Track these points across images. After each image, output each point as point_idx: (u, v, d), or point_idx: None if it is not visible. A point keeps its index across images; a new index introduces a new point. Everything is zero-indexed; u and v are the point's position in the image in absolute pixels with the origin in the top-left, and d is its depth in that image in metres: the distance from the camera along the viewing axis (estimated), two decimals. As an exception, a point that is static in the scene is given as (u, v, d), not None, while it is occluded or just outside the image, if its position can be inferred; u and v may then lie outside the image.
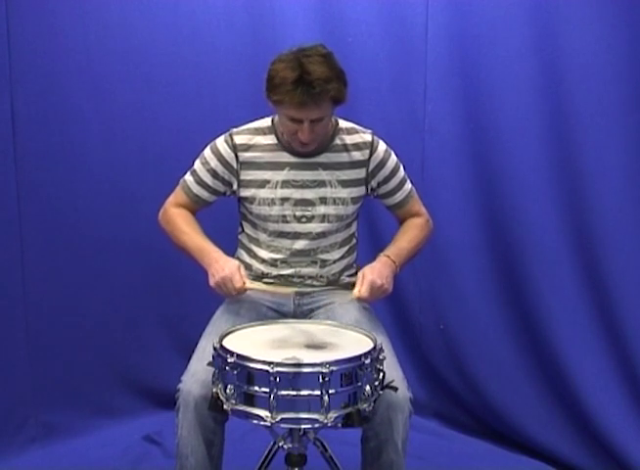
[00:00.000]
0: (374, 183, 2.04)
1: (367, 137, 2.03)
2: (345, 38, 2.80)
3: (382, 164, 2.03)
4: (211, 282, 1.86)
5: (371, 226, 2.83)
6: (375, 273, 1.88)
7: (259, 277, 2.05)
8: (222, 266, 1.86)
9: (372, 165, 2.02)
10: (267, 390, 1.52)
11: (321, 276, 2.05)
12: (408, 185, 2.11)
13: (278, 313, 2.03)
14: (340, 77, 1.83)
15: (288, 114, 1.85)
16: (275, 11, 2.86)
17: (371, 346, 1.64)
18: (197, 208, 2.07)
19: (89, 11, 2.65)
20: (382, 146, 2.04)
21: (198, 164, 2.04)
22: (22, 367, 2.64)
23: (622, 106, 2.33)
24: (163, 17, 2.77)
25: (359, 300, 1.91)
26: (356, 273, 2.12)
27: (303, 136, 1.87)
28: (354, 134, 2.03)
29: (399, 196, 2.08)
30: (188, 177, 2.06)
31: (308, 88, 1.77)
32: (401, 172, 2.08)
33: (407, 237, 2.08)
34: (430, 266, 2.81)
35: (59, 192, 2.68)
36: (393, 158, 2.06)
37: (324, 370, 1.51)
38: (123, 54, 2.72)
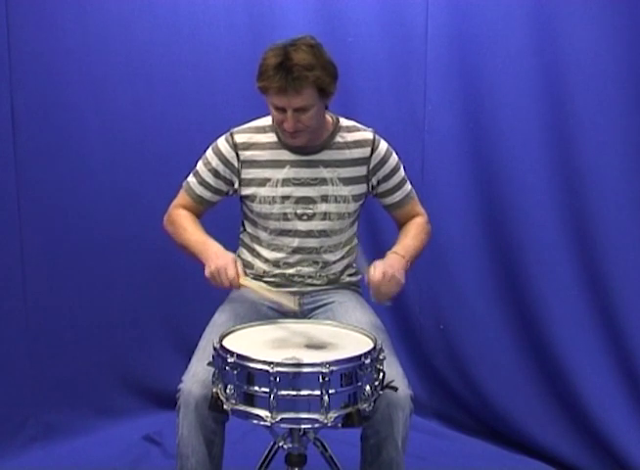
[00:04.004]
0: (374, 181, 2.04)
1: (368, 135, 2.03)
2: (345, 38, 2.80)
3: (383, 161, 2.03)
4: (207, 272, 1.85)
5: (371, 226, 2.83)
6: (386, 264, 1.86)
7: (260, 276, 2.06)
8: (218, 257, 1.86)
9: (373, 163, 2.02)
10: (267, 390, 1.52)
11: (321, 275, 2.05)
12: (408, 186, 2.11)
13: (278, 313, 2.03)
14: (325, 67, 1.83)
15: (272, 101, 1.86)
16: (275, 11, 2.85)
17: (371, 346, 1.64)
18: (201, 209, 2.07)
19: (89, 11, 2.65)
20: (383, 144, 2.04)
21: (200, 165, 2.05)
22: (22, 367, 2.64)
23: (622, 106, 2.33)
24: (163, 17, 2.77)
25: (376, 294, 1.85)
26: (356, 273, 2.14)
27: (288, 125, 1.87)
28: (355, 132, 2.03)
29: (399, 195, 2.08)
30: (190, 179, 2.06)
31: (287, 74, 1.78)
32: (402, 172, 2.08)
33: (410, 234, 2.07)
34: (430, 266, 2.80)
35: (59, 192, 2.68)
36: (394, 157, 2.06)
37: (324, 370, 1.51)
38: (123, 54, 2.72)
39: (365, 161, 2.02)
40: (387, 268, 1.84)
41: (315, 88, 1.83)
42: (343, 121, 2.04)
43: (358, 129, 2.04)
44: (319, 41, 1.87)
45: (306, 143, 1.96)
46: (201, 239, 1.97)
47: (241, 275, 1.84)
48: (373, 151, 2.02)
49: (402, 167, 2.08)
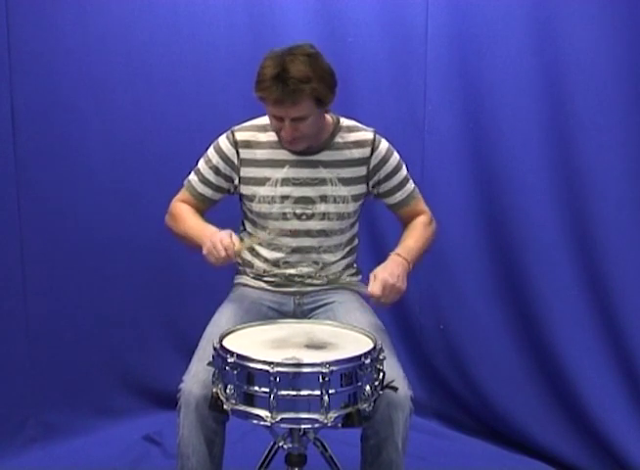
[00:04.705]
0: (375, 181, 2.04)
1: (369, 135, 2.03)
2: (345, 38, 2.80)
3: (383, 161, 2.03)
4: (204, 249, 1.83)
5: (371, 227, 2.82)
6: (387, 272, 1.84)
7: (260, 276, 2.06)
8: (214, 234, 1.85)
9: (373, 163, 2.02)
10: (267, 390, 1.52)
11: (320, 275, 2.05)
12: (411, 185, 2.10)
13: (278, 313, 2.04)
14: (322, 78, 1.82)
15: (269, 110, 1.87)
16: (275, 11, 2.85)
17: (371, 346, 1.64)
18: (202, 207, 2.07)
19: (89, 11, 2.65)
20: (384, 144, 2.04)
21: (201, 163, 2.05)
22: (22, 367, 2.63)
23: (622, 106, 2.33)
24: (163, 17, 2.77)
25: (376, 302, 1.84)
26: (356, 273, 2.13)
27: (285, 134, 1.88)
28: (356, 132, 2.03)
29: (401, 195, 2.08)
30: (192, 177, 2.07)
31: (283, 86, 1.78)
32: (404, 171, 2.08)
33: (413, 236, 2.05)
34: (430, 266, 2.80)
35: (59, 192, 2.67)
36: (396, 156, 2.06)
37: (324, 370, 1.51)
38: (123, 54, 2.72)
39: (365, 161, 2.01)
40: (387, 279, 1.82)
41: (312, 99, 1.82)
42: (344, 121, 2.04)
43: (359, 129, 2.04)
44: (317, 49, 1.85)
45: (305, 148, 1.96)
46: (199, 225, 1.98)
47: (236, 243, 1.82)
48: (373, 151, 2.01)
49: (405, 167, 2.08)
